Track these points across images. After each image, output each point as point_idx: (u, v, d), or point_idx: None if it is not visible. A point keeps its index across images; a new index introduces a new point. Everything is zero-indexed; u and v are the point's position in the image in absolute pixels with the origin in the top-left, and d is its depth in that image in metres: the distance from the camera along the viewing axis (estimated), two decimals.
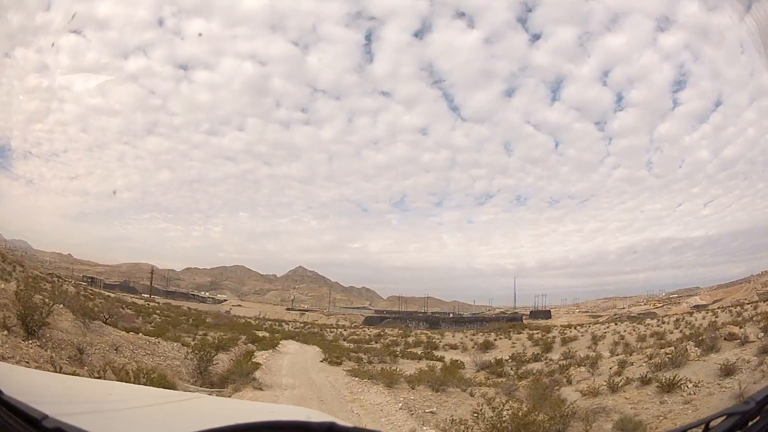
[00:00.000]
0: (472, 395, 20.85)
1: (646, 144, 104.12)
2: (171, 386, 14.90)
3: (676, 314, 64.14)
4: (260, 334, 47.77)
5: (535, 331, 53.61)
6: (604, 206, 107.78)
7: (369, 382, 21.37)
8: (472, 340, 52.63)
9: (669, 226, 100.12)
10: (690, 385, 21.80)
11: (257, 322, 71.31)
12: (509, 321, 73.22)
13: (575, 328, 58.17)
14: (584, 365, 34.27)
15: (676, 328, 48.28)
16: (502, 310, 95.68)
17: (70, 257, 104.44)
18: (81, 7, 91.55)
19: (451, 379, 22.18)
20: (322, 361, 31.84)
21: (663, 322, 53.68)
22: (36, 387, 2.71)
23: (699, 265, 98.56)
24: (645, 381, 23.49)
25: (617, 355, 38.04)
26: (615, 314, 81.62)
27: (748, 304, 56.11)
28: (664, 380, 21.97)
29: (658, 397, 21.60)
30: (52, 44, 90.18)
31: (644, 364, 29.82)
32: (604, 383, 25.78)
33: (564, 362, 37.51)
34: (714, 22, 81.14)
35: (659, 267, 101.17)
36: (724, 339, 31.14)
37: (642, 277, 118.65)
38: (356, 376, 23.12)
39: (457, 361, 38.44)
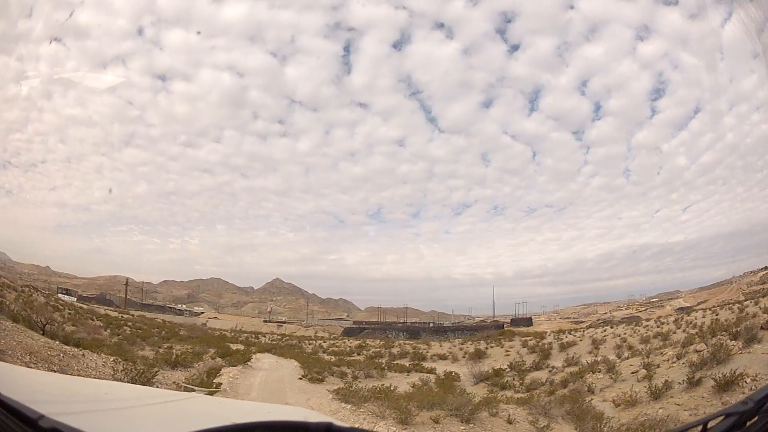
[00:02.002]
0: (510, 422, 15.02)
1: (624, 152, 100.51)
2: None
3: (669, 315, 59.70)
4: (234, 346, 42.68)
5: (528, 338, 48.08)
6: (581, 214, 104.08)
7: (369, 412, 15.24)
8: (461, 349, 46.95)
9: (647, 232, 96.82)
10: (748, 380, 19.06)
11: (233, 334, 65.92)
12: (496, 329, 68.09)
13: (570, 333, 53.18)
14: (599, 371, 29.68)
15: (678, 328, 43.71)
16: (481, 318, 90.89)
17: (48, 270, 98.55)
18: (61, 15, 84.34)
19: (469, 399, 16.17)
20: (301, 378, 25.85)
21: (662, 323, 48.93)
22: (32, 386, 2.60)
23: (678, 270, 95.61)
24: (693, 382, 20.32)
25: (627, 358, 33.35)
26: (598, 319, 77.25)
27: (746, 300, 51.65)
28: (719, 378, 19.02)
29: (717, 398, 18.74)
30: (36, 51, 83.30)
31: (674, 365, 26.18)
32: (643, 390, 21.54)
33: (571, 369, 32.43)
34: (694, 29, 78.34)
35: (638, 272, 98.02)
36: (761, 328, 26.92)
37: (621, 283, 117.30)
38: (346, 402, 17.03)
39: (451, 372, 33.00)
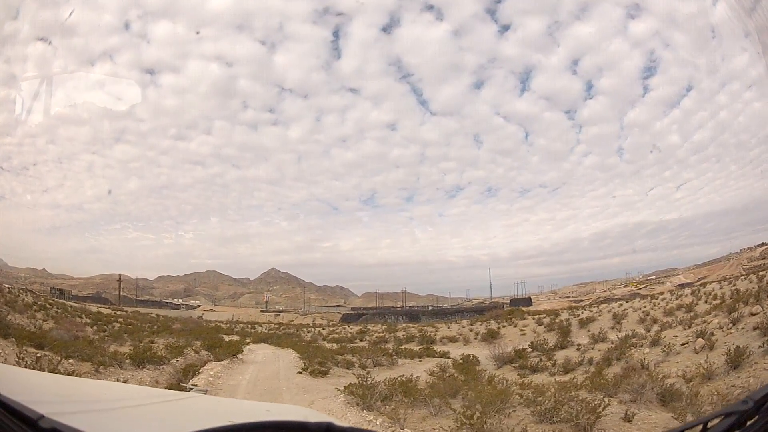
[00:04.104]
0: (629, 420, 9.91)
1: (616, 131, 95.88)
2: None
3: (674, 291, 55.63)
4: (228, 338, 37.77)
5: (542, 316, 43.06)
6: (575, 194, 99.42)
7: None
8: (471, 330, 41.86)
9: (641, 210, 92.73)
10: None
11: (228, 325, 60.89)
12: (496, 309, 63.45)
13: (584, 309, 48.51)
14: (640, 346, 25.58)
15: (699, 299, 39.38)
16: (479, 300, 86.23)
17: (44, 272, 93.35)
18: (47, 14, 78.55)
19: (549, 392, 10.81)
20: (300, 372, 20.29)
21: (679, 296, 44.45)
22: (32, 387, 2.47)
23: (673, 247, 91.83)
24: None
25: (659, 330, 28.98)
26: (599, 297, 72.91)
27: (762, 272, 47.23)
28: None
29: None
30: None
31: (732, 331, 22.55)
32: (712, 361, 17.88)
33: (603, 346, 27.92)
34: (685, 7, 74.21)
35: (633, 251, 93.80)
36: None
37: (616, 262, 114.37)
38: (368, 407, 11.42)
39: (469, 356, 27.82)
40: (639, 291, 71.59)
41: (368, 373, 15.02)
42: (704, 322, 27.02)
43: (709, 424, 1.61)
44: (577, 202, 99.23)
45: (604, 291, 78.55)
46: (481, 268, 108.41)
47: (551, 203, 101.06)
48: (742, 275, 52.69)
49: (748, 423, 1.59)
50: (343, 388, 13.59)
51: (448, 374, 20.89)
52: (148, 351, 20.10)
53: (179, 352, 23.02)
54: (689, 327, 27.02)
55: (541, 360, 26.71)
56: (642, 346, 25.39)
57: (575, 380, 17.51)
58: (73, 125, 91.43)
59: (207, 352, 25.25)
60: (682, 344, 23.38)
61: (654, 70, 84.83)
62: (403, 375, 16.39)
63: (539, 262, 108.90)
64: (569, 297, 79.74)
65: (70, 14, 78.77)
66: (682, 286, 65.87)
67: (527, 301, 77.12)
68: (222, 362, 22.10)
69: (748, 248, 72.08)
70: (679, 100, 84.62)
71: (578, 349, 28.85)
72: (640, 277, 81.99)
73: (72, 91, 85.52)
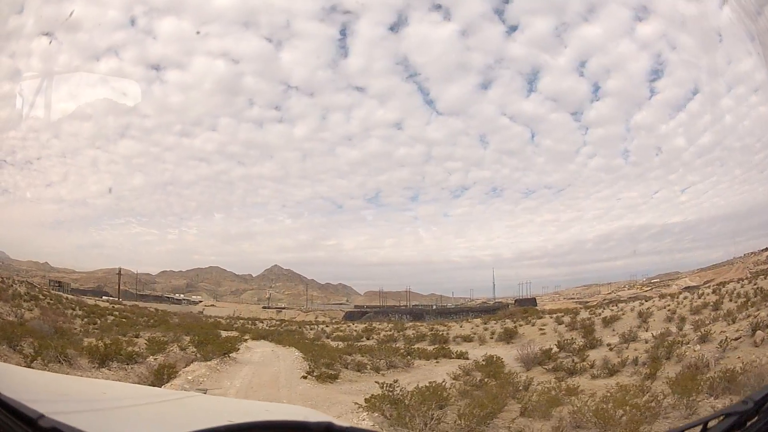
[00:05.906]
0: None
1: (622, 133, 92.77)
2: None
3: (679, 293, 52.85)
4: (225, 333, 34.02)
5: (560, 314, 39.50)
6: (580, 195, 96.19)
7: None
8: (486, 329, 38.24)
9: (646, 213, 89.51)
10: None
11: (228, 321, 57.60)
12: (503, 309, 59.90)
13: (606, 307, 45.96)
14: (686, 343, 23.09)
15: (723, 299, 36.77)
16: (483, 300, 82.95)
17: (47, 266, 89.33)
18: (52, 9, 75.54)
19: None
20: (305, 377, 16.25)
21: (700, 295, 42.55)
22: (32, 386, 2.38)
23: (677, 251, 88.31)
24: None
25: (698, 327, 26.26)
26: (604, 299, 69.84)
27: None
28: None
29: None
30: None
31: None
32: None
33: (639, 345, 24.82)
34: (692, 10, 71.41)
35: (637, 254, 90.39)
36: None
37: (620, 264, 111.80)
38: None
39: (493, 357, 23.90)
40: (645, 294, 68.51)
41: (396, 381, 11.04)
42: (749, 315, 24.82)
43: (710, 424, 1.58)
44: (582, 203, 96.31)
45: (609, 293, 75.44)
46: (485, 269, 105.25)
47: (556, 204, 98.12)
48: (753, 277, 49.99)
49: (748, 423, 1.56)
50: (365, 402, 9.71)
51: (479, 378, 17.02)
52: (113, 345, 15.93)
53: (161, 348, 19.06)
54: (733, 322, 24.62)
55: (574, 361, 22.99)
56: (688, 343, 22.72)
57: (648, 385, 13.67)
58: (78, 120, 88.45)
59: (195, 350, 21.17)
60: (735, 339, 21.25)
61: (660, 72, 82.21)
62: (434, 381, 12.54)
63: (542, 263, 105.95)
64: (573, 298, 76.81)
65: (74, 11, 76.14)
66: (688, 288, 62.98)
67: (532, 302, 74.12)
68: (209, 363, 17.97)
69: (752, 252, 69.55)
70: (685, 103, 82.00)
71: (611, 349, 25.68)
72: (644, 280, 78.96)
73: (76, 86, 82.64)
